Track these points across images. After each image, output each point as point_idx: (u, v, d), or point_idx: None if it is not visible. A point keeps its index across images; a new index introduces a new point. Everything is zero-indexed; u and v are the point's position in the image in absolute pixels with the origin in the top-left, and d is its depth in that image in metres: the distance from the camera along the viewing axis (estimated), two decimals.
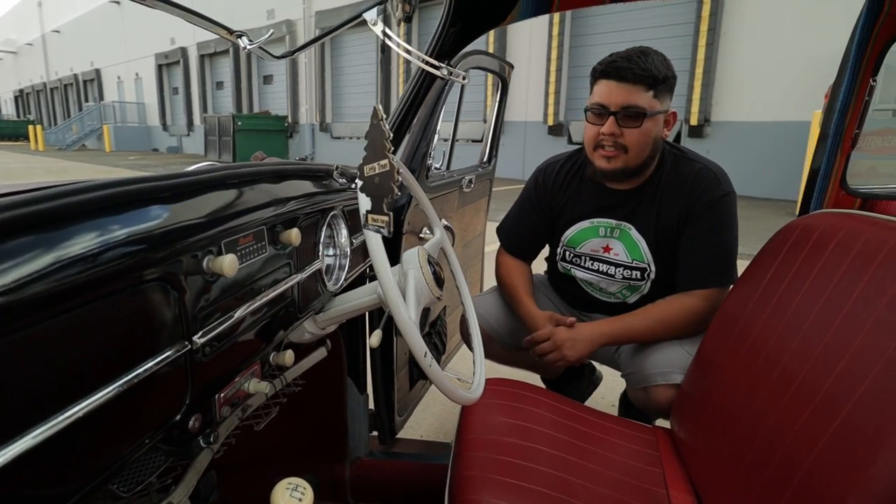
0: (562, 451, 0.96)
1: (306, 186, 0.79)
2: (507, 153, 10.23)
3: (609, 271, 1.33)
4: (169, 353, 0.47)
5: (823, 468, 0.66)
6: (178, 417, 0.52)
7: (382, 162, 0.63)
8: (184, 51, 18.39)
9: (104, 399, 0.40)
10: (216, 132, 14.79)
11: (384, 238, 0.71)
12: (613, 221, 1.30)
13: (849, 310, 0.75)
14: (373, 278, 1.19)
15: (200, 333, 0.52)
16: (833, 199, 1.11)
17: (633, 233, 1.28)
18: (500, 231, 1.50)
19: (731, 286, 1.21)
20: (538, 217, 1.41)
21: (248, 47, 0.87)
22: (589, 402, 1.84)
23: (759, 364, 0.89)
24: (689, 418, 1.06)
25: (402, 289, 0.78)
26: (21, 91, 34.74)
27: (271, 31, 0.87)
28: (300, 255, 0.75)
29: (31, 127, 21.58)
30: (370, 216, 0.67)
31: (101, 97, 23.93)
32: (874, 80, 1.01)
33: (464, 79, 1.11)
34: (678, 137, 8.43)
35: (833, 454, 0.65)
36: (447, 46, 1.05)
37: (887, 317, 0.68)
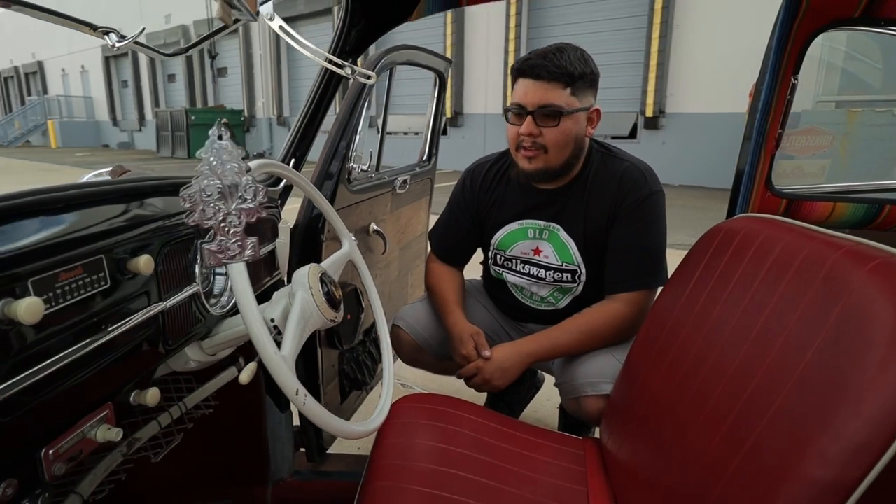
0: (480, 476, 0.90)
1: (160, 204, 0.70)
2: (468, 146, 10.20)
3: (539, 274, 1.28)
4: None
5: (730, 499, 0.62)
6: None
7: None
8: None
9: None
10: (168, 127, 14.25)
11: (308, 246, 0.63)
12: (542, 223, 1.26)
13: (763, 323, 0.72)
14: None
15: None
16: (759, 201, 1.08)
17: (562, 234, 1.24)
18: (432, 236, 1.44)
19: (660, 288, 1.18)
20: (467, 221, 1.35)
21: (118, 45, 0.77)
22: (533, 405, 1.81)
23: (681, 376, 0.86)
24: (616, 429, 1.02)
25: (287, 312, 0.71)
26: None
27: (142, 27, 0.78)
28: (168, 279, 0.67)
29: None
30: None
31: (45, 91, 22.68)
32: (795, 79, 0.99)
33: (369, 78, 1.04)
34: (634, 129, 8.55)
35: (740, 484, 0.62)
36: (351, 44, 0.98)
37: (797, 332, 0.65)
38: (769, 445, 0.60)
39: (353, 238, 0.95)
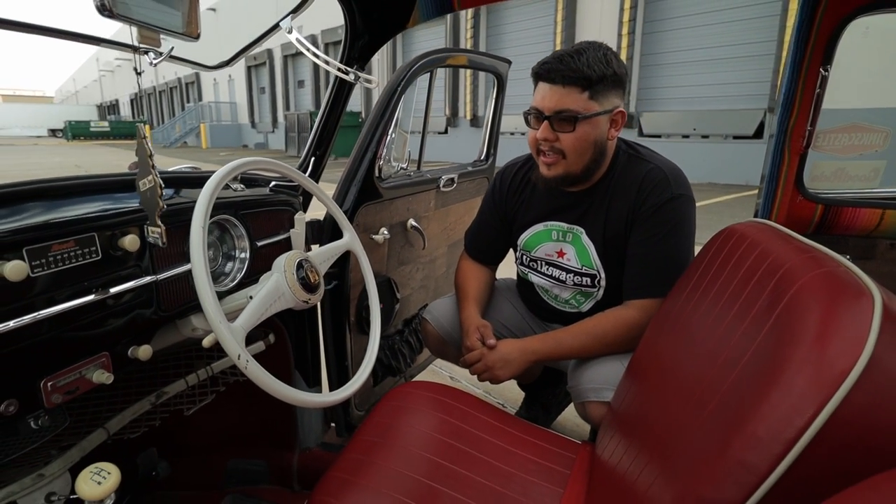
0: (453, 463, 0.94)
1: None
2: None
3: (561, 277, 1.27)
4: None
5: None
6: None
7: (149, 177, 0.66)
8: (270, 52, 19.50)
9: None
10: (296, 129, 15.60)
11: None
12: (565, 225, 1.24)
13: (719, 334, 0.68)
14: None
15: None
16: (788, 205, 0.98)
17: (584, 237, 1.22)
18: (466, 235, 1.48)
19: None
20: (497, 221, 1.37)
21: (155, 62, 0.92)
22: (573, 408, 1.77)
23: (656, 387, 0.82)
24: (608, 437, 0.99)
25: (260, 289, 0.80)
26: (136, 94, 38.67)
27: (171, 46, 0.91)
28: (165, 257, 0.79)
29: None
30: (149, 228, 0.70)
31: (200, 98, 26.05)
32: (826, 71, 0.88)
33: (370, 83, 1.11)
34: (760, 128, 7.74)
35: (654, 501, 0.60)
36: (356, 53, 1.06)
37: (738, 345, 0.61)
38: (684, 464, 0.58)
39: (388, 232, 1.00)
